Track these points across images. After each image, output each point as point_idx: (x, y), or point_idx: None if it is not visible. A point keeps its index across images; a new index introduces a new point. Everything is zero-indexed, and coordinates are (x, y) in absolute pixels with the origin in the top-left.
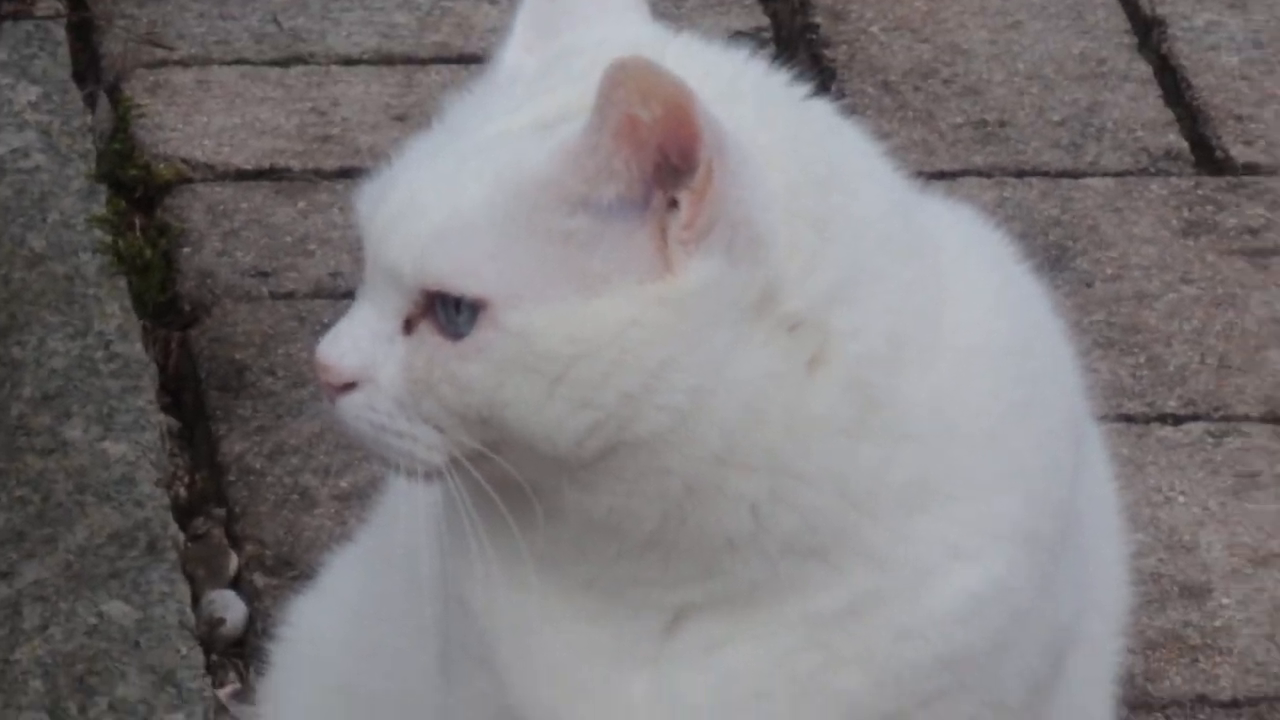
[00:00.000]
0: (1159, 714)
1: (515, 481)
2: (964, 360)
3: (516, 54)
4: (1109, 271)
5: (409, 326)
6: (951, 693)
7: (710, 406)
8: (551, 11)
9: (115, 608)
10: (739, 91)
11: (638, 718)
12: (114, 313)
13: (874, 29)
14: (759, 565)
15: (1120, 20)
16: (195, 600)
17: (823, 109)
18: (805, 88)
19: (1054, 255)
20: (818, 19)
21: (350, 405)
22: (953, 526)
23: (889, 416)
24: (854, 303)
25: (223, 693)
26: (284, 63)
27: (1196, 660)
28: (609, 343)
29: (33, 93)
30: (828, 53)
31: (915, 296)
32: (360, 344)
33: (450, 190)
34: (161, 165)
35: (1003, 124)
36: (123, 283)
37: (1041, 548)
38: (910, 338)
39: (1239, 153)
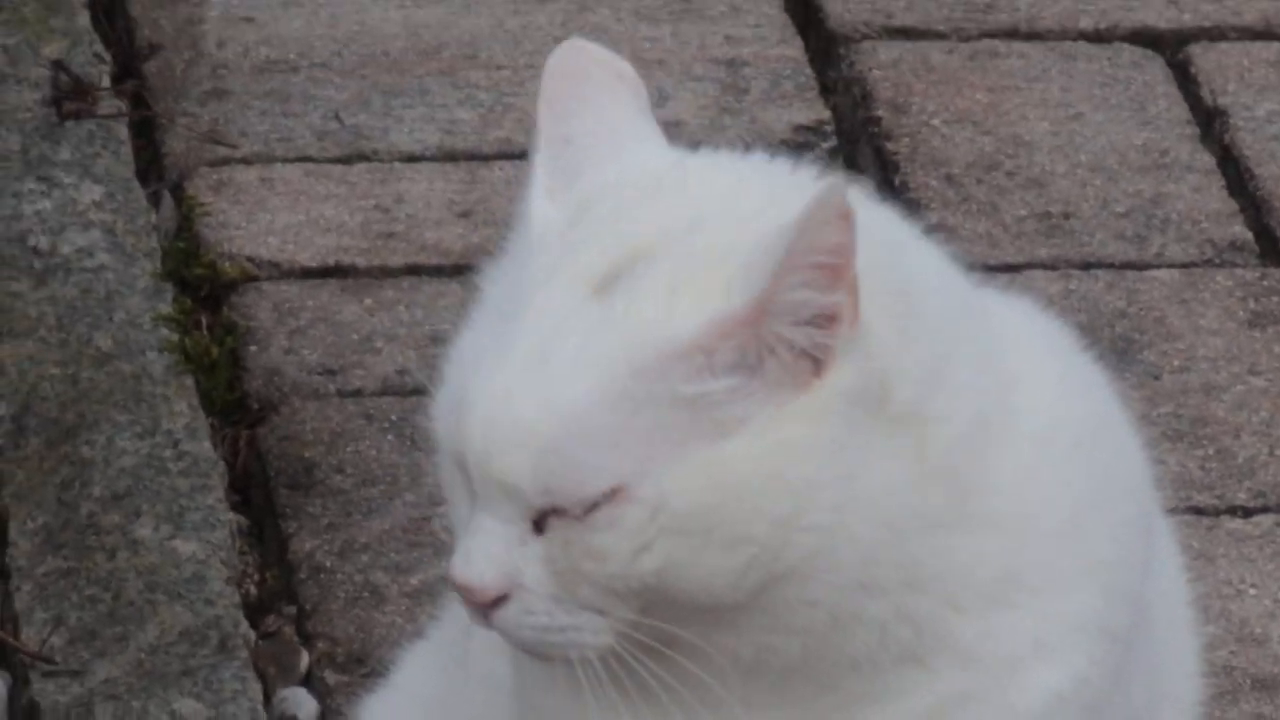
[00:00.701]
0: None
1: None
2: (1036, 447)
3: (541, 205)
4: (1176, 364)
5: (539, 526)
6: None
7: (848, 524)
8: (568, 153)
9: (187, 706)
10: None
11: None
12: (182, 411)
13: (936, 121)
14: (872, 680)
15: (1182, 111)
16: (267, 698)
17: (880, 209)
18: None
19: (1120, 348)
20: (879, 112)
21: (508, 617)
22: (1036, 621)
23: (977, 505)
24: (943, 386)
25: None
26: (347, 160)
27: None
28: (753, 476)
29: (96, 192)
30: (890, 145)
31: (991, 380)
32: (495, 556)
33: (548, 395)
34: (227, 264)
35: (1066, 216)
36: (190, 381)
37: (1117, 640)
38: (991, 420)
39: None
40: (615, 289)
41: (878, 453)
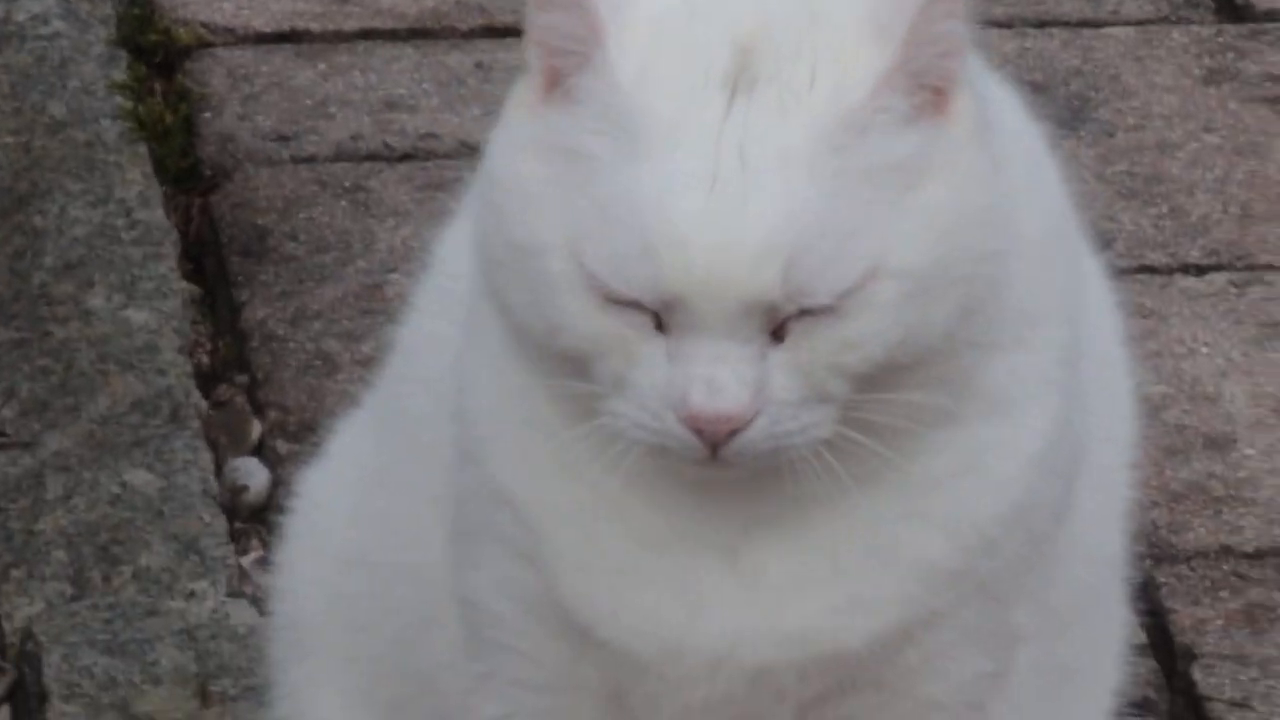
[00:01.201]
0: (1183, 565)
1: None
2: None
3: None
4: (1130, 121)
5: (777, 335)
6: (1014, 537)
7: (1009, 249)
8: None
9: (138, 476)
10: None
11: (710, 604)
12: (135, 179)
13: None
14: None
15: None
16: (218, 468)
17: None
18: None
19: (1075, 106)
20: None
21: (753, 436)
22: (1042, 357)
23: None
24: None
25: (246, 560)
26: None
27: (1220, 512)
28: (960, 214)
29: None
30: None
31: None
32: (746, 377)
33: (776, 201)
34: (181, 30)
35: None
36: (143, 149)
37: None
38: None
39: None
40: (755, 84)
41: (987, 158)
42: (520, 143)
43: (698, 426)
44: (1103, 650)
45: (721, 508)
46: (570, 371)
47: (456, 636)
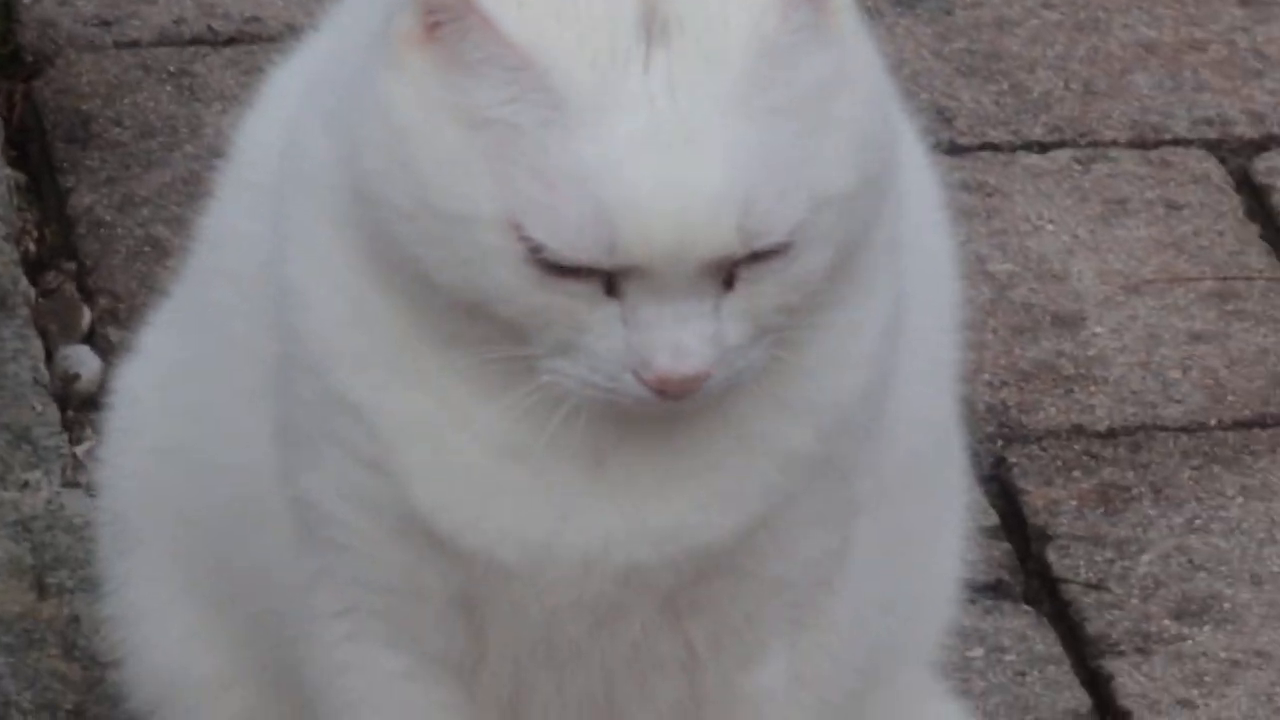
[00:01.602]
0: (1034, 445)
1: None
2: None
3: None
4: None
5: (729, 282)
6: (865, 413)
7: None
8: None
9: None
10: None
11: (579, 507)
12: None
13: None
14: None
15: None
16: (49, 356)
17: None
18: None
19: None
20: None
21: (712, 385)
22: (884, 232)
23: None
24: None
25: (80, 449)
26: None
27: (1071, 390)
28: (872, 118)
29: None
30: None
31: None
32: (707, 335)
33: (723, 154)
34: None
35: None
36: None
37: None
38: None
39: None
40: (668, 30)
41: None
42: (430, 101)
43: (663, 389)
44: (942, 517)
45: (590, 419)
46: (502, 336)
47: (287, 531)
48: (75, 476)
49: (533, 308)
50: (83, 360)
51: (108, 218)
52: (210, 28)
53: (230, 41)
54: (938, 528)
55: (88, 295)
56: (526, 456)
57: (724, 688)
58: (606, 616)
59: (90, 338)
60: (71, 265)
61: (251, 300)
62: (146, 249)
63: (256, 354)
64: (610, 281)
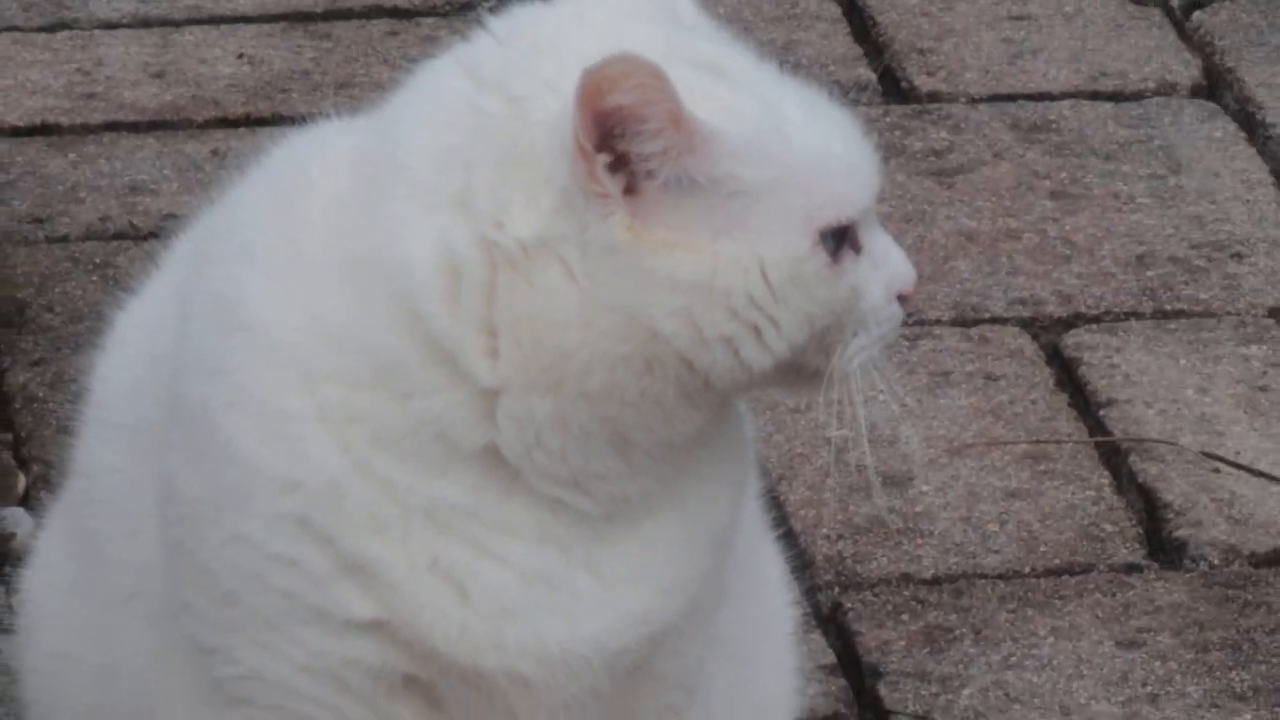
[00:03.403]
0: (868, 592)
1: None
2: None
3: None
4: None
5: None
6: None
7: None
8: None
9: None
10: None
11: (582, 611)
12: None
13: None
14: None
15: None
16: None
17: None
18: None
19: None
20: None
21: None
22: None
23: None
24: None
25: (15, 600)
26: (51, 28)
27: (900, 543)
28: None
29: None
30: None
31: None
32: None
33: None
34: None
35: None
36: None
37: None
38: None
39: (922, 82)
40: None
41: None
42: (690, 241)
43: (910, 291)
44: (769, 630)
45: (574, 522)
46: (813, 357)
47: (174, 714)
48: (10, 624)
49: (846, 300)
50: (19, 520)
51: (40, 394)
52: (132, 224)
53: (150, 236)
54: (766, 639)
55: (23, 463)
56: (547, 575)
57: None
58: (574, 708)
59: (25, 500)
60: (9, 436)
61: (130, 528)
62: (75, 421)
63: (139, 571)
64: (854, 237)
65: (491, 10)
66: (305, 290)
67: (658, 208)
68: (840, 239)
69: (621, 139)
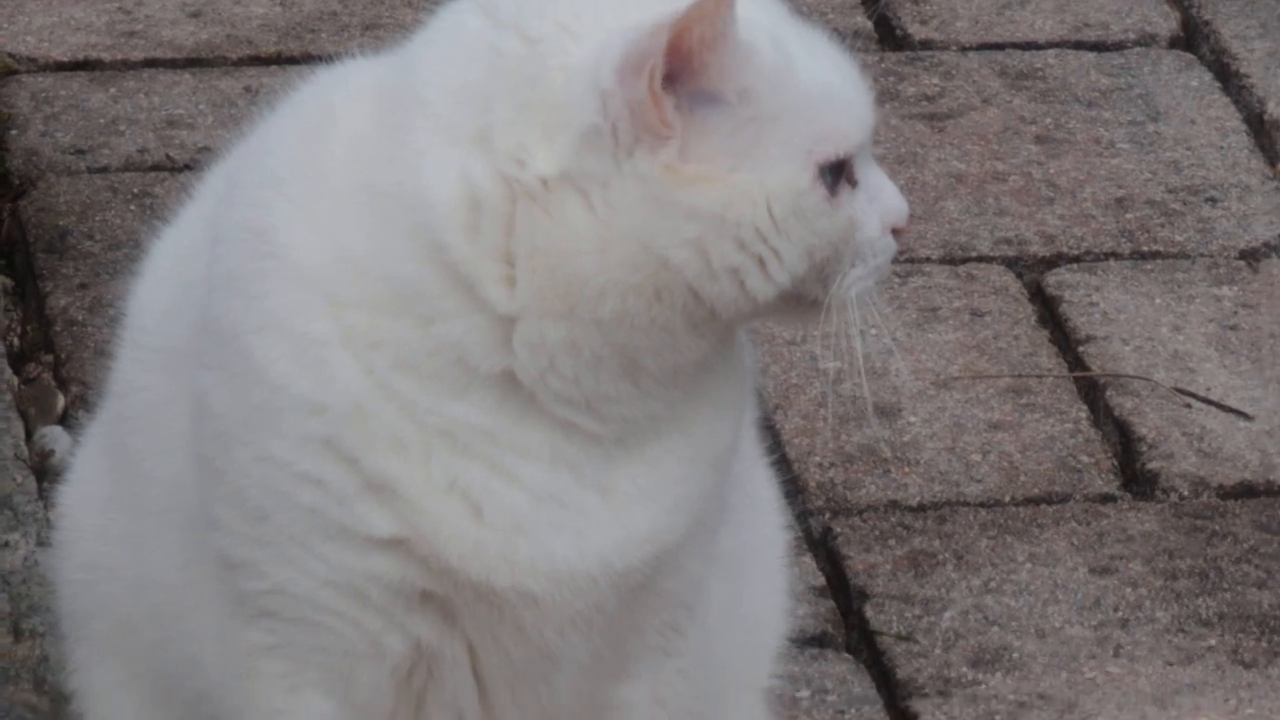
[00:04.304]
0: (856, 518)
1: None
2: None
3: None
4: None
5: None
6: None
7: None
8: None
9: None
10: None
11: (591, 530)
12: None
13: None
14: None
15: None
16: (28, 435)
17: None
18: None
19: None
20: None
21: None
22: None
23: None
24: None
25: (53, 514)
26: None
27: (889, 471)
28: None
29: None
30: None
31: None
32: None
33: None
34: None
35: None
36: None
37: None
38: None
39: (915, 30)
40: None
41: None
42: (710, 168)
43: (903, 225)
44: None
45: (585, 444)
46: (794, 306)
47: (213, 627)
48: (49, 538)
49: (844, 231)
50: (57, 439)
51: (80, 317)
52: (168, 156)
53: (185, 168)
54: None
55: (62, 384)
56: (559, 495)
57: (593, 696)
58: (580, 624)
59: (64, 419)
60: (49, 358)
61: (163, 445)
62: (112, 344)
63: (171, 487)
64: (850, 165)
65: None
66: (331, 219)
67: (693, 141)
68: (838, 174)
69: (687, 76)
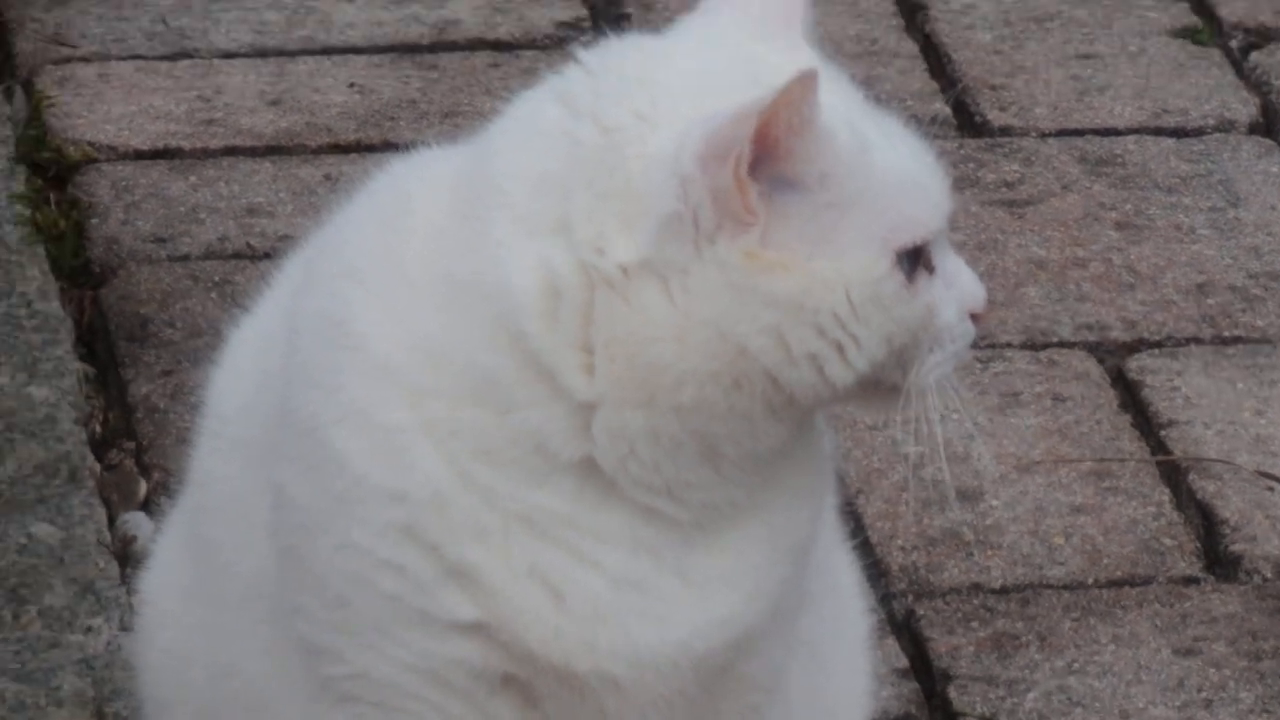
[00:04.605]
0: (939, 600)
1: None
2: None
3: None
4: None
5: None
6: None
7: None
8: None
9: (42, 529)
10: None
11: (671, 613)
12: (34, 275)
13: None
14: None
15: (889, 5)
16: (111, 521)
17: None
18: None
19: None
20: (629, 9)
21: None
22: None
23: None
24: None
25: (136, 599)
26: (173, 57)
27: (971, 554)
28: None
29: None
30: None
31: None
32: None
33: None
34: (71, 148)
35: None
36: (41, 250)
37: None
38: None
39: (995, 117)
40: None
41: None
42: (788, 259)
43: (986, 311)
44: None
45: (665, 529)
46: (891, 372)
47: (296, 715)
48: (131, 623)
49: (922, 318)
50: (139, 524)
51: (162, 405)
52: (249, 244)
53: (265, 256)
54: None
55: (144, 470)
56: (639, 581)
57: None
58: (662, 707)
59: (146, 505)
60: (131, 444)
61: (243, 534)
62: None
63: (252, 576)
64: (927, 258)
65: (585, 44)
66: (408, 309)
67: (774, 227)
68: (915, 260)
69: (770, 161)
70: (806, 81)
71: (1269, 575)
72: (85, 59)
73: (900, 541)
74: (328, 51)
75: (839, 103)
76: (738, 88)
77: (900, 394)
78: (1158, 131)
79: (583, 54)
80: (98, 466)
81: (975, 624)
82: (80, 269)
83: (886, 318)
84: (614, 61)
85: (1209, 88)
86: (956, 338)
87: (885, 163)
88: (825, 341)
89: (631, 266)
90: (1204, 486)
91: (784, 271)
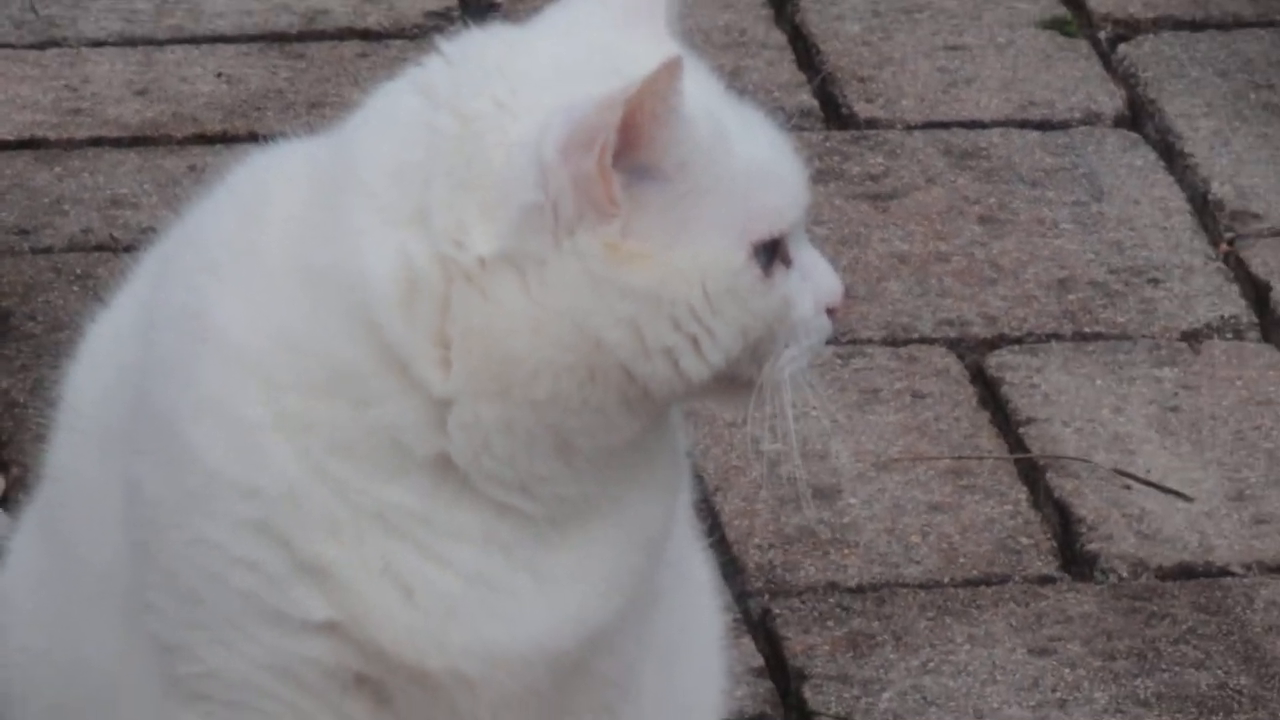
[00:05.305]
0: (795, 599)
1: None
2: None
3: None
4: None
5: None
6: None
7: None
8: None
9: None
10: None
11: (524, 613)
12: None
13: None
14: None
15: None
16: None
17: None
18: None
19: None
20: None
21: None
22: None
23: None
24: None
25: None
26: (41, 46)
27: (828, 552)
28: None
29: None
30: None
31: None
32: None
33: None
34: None
35: None
36: None
37: None
38: None
39: (861, 109)
40: None
41: None
42: (643, 253)
43: (837, 304)
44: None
45: (518, 525)
46: (746, 367)
47: (148, 712)
48: None
49: (778, 311)
50: None
51: (21, 399)
52: (112, 236)
53: (129, 249)
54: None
55: (3, 466)
56: (490, 578)
57: None
58: (514, 705)
59: (4, 502)
60: None
61: (97, 529)
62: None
63: (105, 571)
64: (783, 245)
65: (449, 35)
66: (266, 300)
67: (634, 217)
68: (772, 253)
69: (631, 151)
70: (672, 69)
71: (1124, 574)
72: None
73: (757, 539)
74: (196, 40)
75: (699, 92)
76: (599, 77)
77: (754, 388)
78: (1023, 124)
79: (443, 44)
80: None
81: (831, 623)
82: None
83: (742, 310)
84: (474, 51)
85: (1076, 80)
86: (812, 332)
87: (744, 153)
88: (681, 335)
89: (489, 258)
90: (1061, 485)
91: (642, 263)
